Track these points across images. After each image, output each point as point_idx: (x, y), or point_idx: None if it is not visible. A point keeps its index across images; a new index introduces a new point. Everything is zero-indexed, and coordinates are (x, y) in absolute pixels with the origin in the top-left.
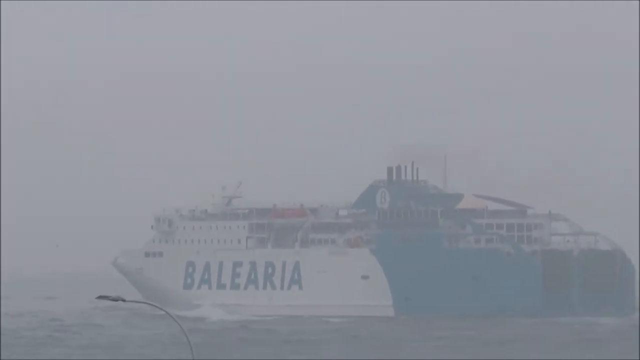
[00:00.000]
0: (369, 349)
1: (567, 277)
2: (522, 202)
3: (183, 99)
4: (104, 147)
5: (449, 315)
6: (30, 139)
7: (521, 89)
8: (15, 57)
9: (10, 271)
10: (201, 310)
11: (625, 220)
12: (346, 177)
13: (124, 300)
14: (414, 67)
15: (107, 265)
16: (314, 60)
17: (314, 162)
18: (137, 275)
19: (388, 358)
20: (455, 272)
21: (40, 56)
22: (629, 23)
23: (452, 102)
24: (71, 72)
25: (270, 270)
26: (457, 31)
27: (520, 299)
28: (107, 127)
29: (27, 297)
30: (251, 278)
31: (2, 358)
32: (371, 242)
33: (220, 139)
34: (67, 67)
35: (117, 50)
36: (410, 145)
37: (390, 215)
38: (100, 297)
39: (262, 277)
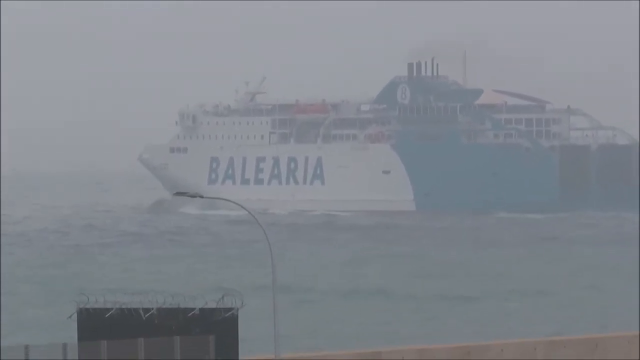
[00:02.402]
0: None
1: (585, 172)
2: (541, 97)
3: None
4: (129, 44)
5: (468, 210)
6: (55, 37)
7: None
8: None
9: (35, 170)
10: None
11: None
12: (368, 72)
13: (201, 197)
14: None
15: (134, 161)
16: None
17: (337, 58)
18: (162, 171)
19: None
20: (475, 167)
21: None
22: None
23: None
24: None
25: (292, 165)
26: None
27: (538, 194)
28: (132, 25)
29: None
30: (274, 173)
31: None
32: (392, 137)
33: (244, 35)
34: None
35: None
36: (430, 41)
37: (410, 111)
38: (178, 194)
39: (285, 173)
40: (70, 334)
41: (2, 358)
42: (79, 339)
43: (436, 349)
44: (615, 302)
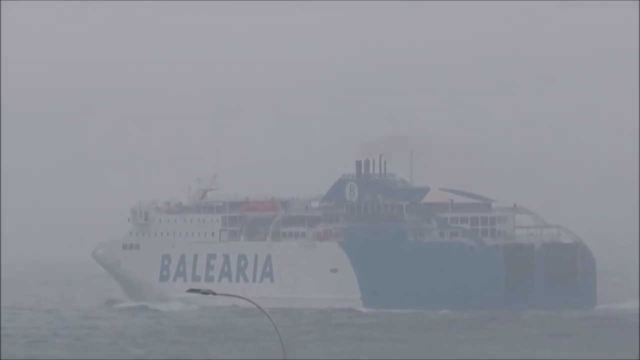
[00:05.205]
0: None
1: (530, 271)
2: (487, 195)
3: (160, 93)
4: (82, 139)
5: (416, 307)
6: (6, 131)
7: (488, 82)
8: None
9: None
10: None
11: (587, 212)
12: (319, 169)
13: (214, 294)
14: (382, 60)
15: (87, 257)
16: (286, 57)
17: (289, 155)
18: (116, 267)
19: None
20: (421, 265)
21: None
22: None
23: (420, 95)
24: (52, 66)
25: (242, 263)
26: (427, 23)
27: (484, 292)
28: (83, 120)
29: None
30: (225, 270)
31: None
32: (340, 235)
33: (195, 132)
34: (48, 62)
35: (99, 46)
36: (378, 138)
37: (358, 209)
38: (191, 291)
39: (235, 270)
40: None
41: None
42: None
43: None
44: None
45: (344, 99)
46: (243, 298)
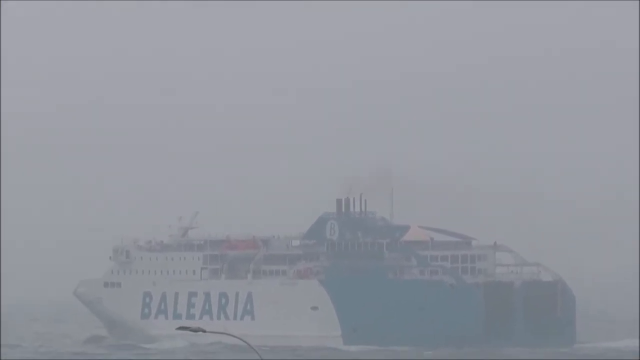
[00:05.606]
0: None
1: (509, 308)
2: (467, 233)
3: (143, 132)
4: (65, 176)
5: (396, 344)
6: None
7: (470, 119)
8: None
9: None
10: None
11: (567, 250)
12: (300, 207)
13: (204, 331)
14: (363, 98)
15: (69, 294)
16: (268, 94)
17: (270, 193)
18: (97, 305)
19: None
20: (401, 303)
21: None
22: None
23: (401, 133)
24: (42, 106)
25: (223, 300)
26: (408, 58)
27: (464, 329)
28: (65, 157)
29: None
30: (206, 308)
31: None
32: (320, 273)
33: (176, 170)
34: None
35: (83, 85)
36: (359, 176)
37: (338, 247)
38: (181, 328)
39: (216, 308)
40: None
41: None
42: None
43: None
44: None
45: (324, 137)
46: (233, 336)
